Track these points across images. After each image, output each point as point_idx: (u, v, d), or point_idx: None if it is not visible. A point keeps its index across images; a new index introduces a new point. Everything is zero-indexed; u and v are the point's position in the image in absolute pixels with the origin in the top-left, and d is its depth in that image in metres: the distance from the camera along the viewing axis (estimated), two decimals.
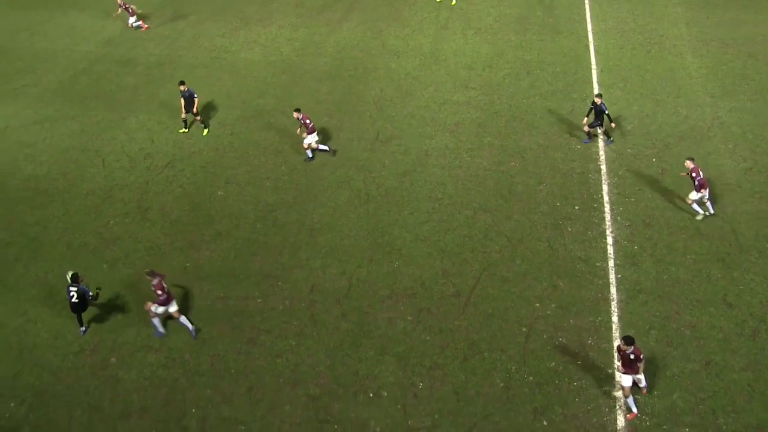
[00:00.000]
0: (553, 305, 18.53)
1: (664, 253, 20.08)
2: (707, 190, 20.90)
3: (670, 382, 16.55)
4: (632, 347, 15.48)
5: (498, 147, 24.48)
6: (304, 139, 23.72)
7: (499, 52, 30.85)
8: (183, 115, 25.37)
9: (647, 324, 17.95)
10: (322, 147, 24.05)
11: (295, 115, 23.53)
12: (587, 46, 31.25)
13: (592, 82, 28.42)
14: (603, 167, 23.53)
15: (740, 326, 17.92)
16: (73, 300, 17.51)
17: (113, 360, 17.47)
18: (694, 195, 20.93)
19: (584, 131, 24.48)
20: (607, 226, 21.07)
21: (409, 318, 18.29)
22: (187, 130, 25.79)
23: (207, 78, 29.17)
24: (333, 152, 24.27)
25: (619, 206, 21.82)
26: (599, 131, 24.58)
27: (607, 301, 18.61)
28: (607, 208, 21.78)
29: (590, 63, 29.93)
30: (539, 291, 18.94)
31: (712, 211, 21.34)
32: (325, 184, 22.96)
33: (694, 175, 20.76)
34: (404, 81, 28.69)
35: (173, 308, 17.82)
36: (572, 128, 25.36)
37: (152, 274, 17.49)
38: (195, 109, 25.08)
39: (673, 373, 16.74)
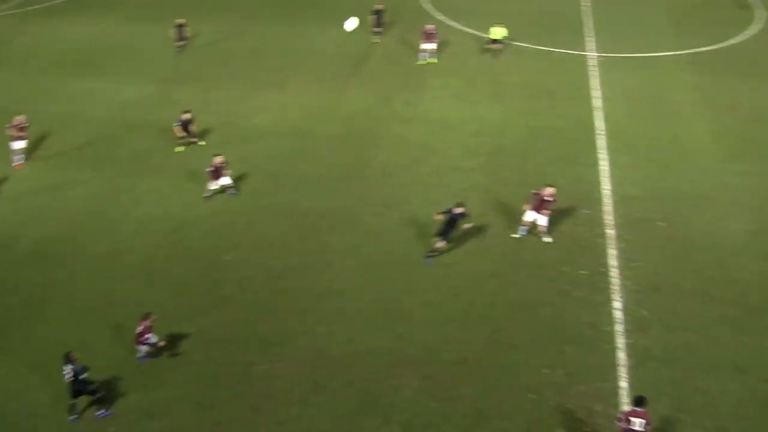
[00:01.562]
0: (561, 371, 18.25)
1: (673, 318, 19.89)
2: None
3: None
4: (642, 412, 15.11)
5: (505, 213, 24.51)
6: None
7: (506, 119, 31.21)
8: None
9: (657, 390, 17.54)
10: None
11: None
12: (593, 113, 31.58)
13: (598, 148, 28.60)
14: (610, 232, 23.50)
15: (752, 391, 17.62)
16: (68, 379, 17.04)
17: (113, 430, 17.20)
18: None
19: None
20: (614, 291, 20.93)
21: (415, 385, 18.03)
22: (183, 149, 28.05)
23: (218, 143, 29.59)
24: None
25: (627, 271, 21.70)
26: None
27: (616, 367, 18.32)
28: (614, 272, 21.67)
29: (596, 129, 30.18)
30: (546, 357, 18.68)
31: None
32: (332, 250, 22.99)
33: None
34: (412, 147, 29.01)
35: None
36: (576, 193, 25.38)
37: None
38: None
39: None
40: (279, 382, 18.21)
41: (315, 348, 19.24)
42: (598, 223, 23.97)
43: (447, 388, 17.89)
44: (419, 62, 36.40)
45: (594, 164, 27.27)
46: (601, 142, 29.07)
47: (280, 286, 21.58)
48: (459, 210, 21.98)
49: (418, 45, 36.66)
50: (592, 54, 37.54)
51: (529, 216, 22.98)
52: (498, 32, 36.99)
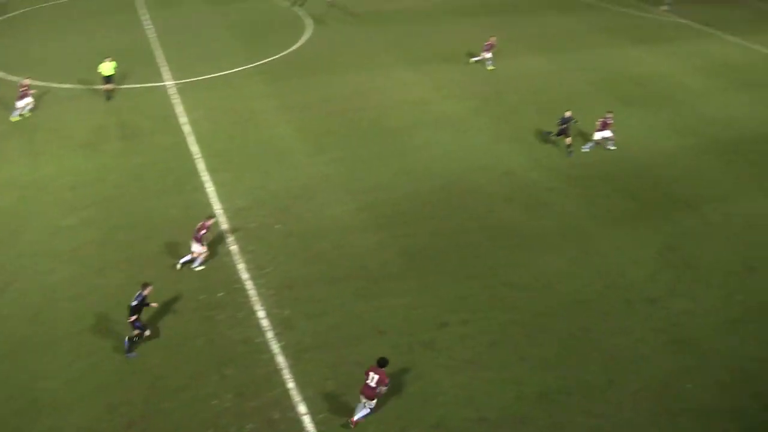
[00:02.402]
0: (229, 395, 18.25)
1: (313, 307, 21.26)
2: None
3: (361, 423, 17.35)
4: (380, 371, 16.94)
5: (125, 260, 23.40)
6: None
7: (102, 165, 29.58)
8: None
9: (321, 377, 18.71)
10: None
11: None
12: (186, 139, 31.79)
13: (198, 171, 28.89)
14: (233, 248, 24.03)
15: (396, 347, 19.72)
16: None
17: None
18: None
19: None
20: (253, 302, 21.54)
21: None
22: None
23: None
24: None
25: (260, 279, 22.49)
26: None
27: (279, 372, 18.96)
28: (249, 284, 22.27)
29: (192, 153, 30.42)
30: (212, 387, 18.51)
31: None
32: None
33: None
34: (3, 219, 25.93)
35: None
36: (190, 219, 25.14)
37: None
38: None
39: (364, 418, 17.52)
40: None
41: None
42: (220, 242, 24.32)
43: None
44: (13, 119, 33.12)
45: (199, 188, 27.55)
46: (201, 165, 29.46)
47: None
48: (144, 293, 19.59)
49: None
50: (170, 83, 37.67)
51: (194, 247, 22.65)
52: (107, 67, 34.97)
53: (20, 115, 33.40)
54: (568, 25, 48.78)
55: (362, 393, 17.08)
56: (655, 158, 30.28)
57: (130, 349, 19.49)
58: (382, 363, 17.15)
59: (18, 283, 22.59)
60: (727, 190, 28.08)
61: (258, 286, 22.17)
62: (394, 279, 22.42)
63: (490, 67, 39.74)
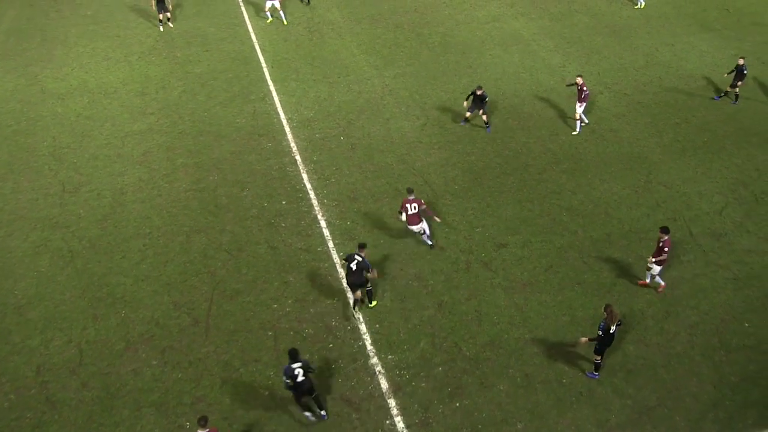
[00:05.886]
0: (290, 301, 18.89)
1: (373, 221, 21.47)
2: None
3: (413, 332, 17.86)
4: (415, 199, 19.53)
5: (192, 165, 24.11)
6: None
7: (168, 72, 30.21)
8: None
9: (379, 288, 19.09)
10: None
11: None
12: (253, 47, 31.87)
13: (266, 80, 29.10)
14: (298, 158, 24.34)
15: (455, 264, 19.90)
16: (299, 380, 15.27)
17: None
18: (579, 108, 25.15)
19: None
20: (317, 212, 21.92)
21: (154, 362, 17.42)
22: None
23: None
24: None
25: (323, 189, 22.80)
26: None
27: (339, 281, 19.42)
28: (312, 194, 22.63)
29: (260, 62, 30.60)
30: (273, 292, 19.17)
31: (586, 121, 26.09)
32: (18, 255, 20.77)
33: (584, 89, 24.77)
34: (77, 123, 26.87)
35: None
36: (257, 128, 25.81)
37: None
38: None
39: (414, 324, 18.08)
40: (2, 416, 16.37)
41: (33, 363, 17.52)
42: (284, 152, 24.64)
43: (188, 353, 17.60)
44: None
45: (265, 97, 27.75)
46: (267, 74, 29.58)
47: None
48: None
49: (56, 10, 33.48)
50: None
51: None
52: None
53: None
54: None
55: (410, 223, 19.66)
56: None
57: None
58: (410, 191, 19.48)
59: (91, 184, 23.51)
60: None
61: (321, 196, 22.51)
62: (456, 196, 22.44)
63: None
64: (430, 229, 20.29)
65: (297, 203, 22.29)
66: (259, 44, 32.11)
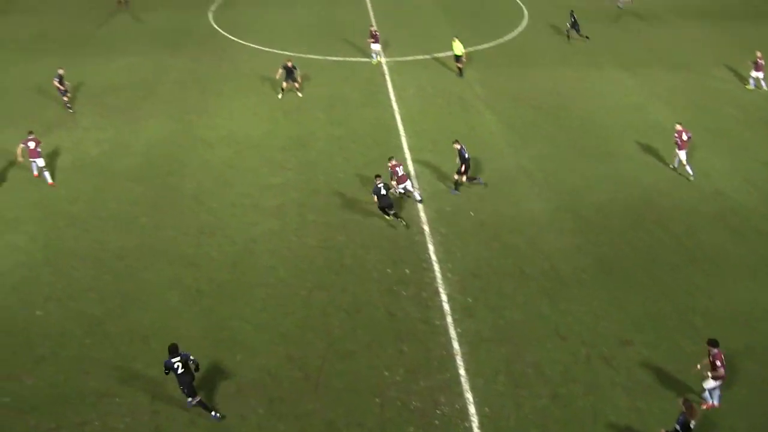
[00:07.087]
0: (401, 370, 18.64)
1: (496, 299, 21.04)
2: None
3: (524, 422, 17.09)
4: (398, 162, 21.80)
5: (322, 224, 24.69)
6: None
7: (310, 131, 31.45)
8: None
9: (494, 370, 18.54)
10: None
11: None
12: (393, 115, 32.72)
13: (402, 148, 29.68)
14: (426, 228, 24.43)
15: (575, 355, 19.04)
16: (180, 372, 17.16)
17: None
18: (682, 154, 27.14)
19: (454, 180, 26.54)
20: (439, 284, 21.76)
21: (261, 411, 17.58)
22: None
23: (12, 190, 27.09)
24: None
25: (447, 263, 22.66)
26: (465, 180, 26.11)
27: (452, 357, 19.03)
28: (436, 267, 22.53)
29: (398, 130, 31.32)
30: (386, 359, 19.01)
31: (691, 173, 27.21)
32: (152, 287, 21.86)
33: (684, 136, 26.68)
34: (221, 171, 28.37)
35: None
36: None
37: None
38: None
39: (525, 413, 17.32)
40: None
41: (150, 391, 18.17)
42: (413, 221, 24.81)
43: (294, 407, 17.65)
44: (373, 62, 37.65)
45: (401, 165, 28.21)
46: (405, 142, 30.17)
47: (102, 333, 20.14)
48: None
49: (217, 66, 36.01)
50: (383, 59, 38.87)
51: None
52: (458, 47, 36.65)
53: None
54: None
55: (399, 183, 24.68)
56: None
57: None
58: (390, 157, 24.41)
59: (226, 229, 24.56)
60: None
61: (444, 269, 22.36)
62: (584, 286, 21.66)
63: (749, 87, 36.23)
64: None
65: (420, 273, 22.24)
66: (399, 112, 32.93)
